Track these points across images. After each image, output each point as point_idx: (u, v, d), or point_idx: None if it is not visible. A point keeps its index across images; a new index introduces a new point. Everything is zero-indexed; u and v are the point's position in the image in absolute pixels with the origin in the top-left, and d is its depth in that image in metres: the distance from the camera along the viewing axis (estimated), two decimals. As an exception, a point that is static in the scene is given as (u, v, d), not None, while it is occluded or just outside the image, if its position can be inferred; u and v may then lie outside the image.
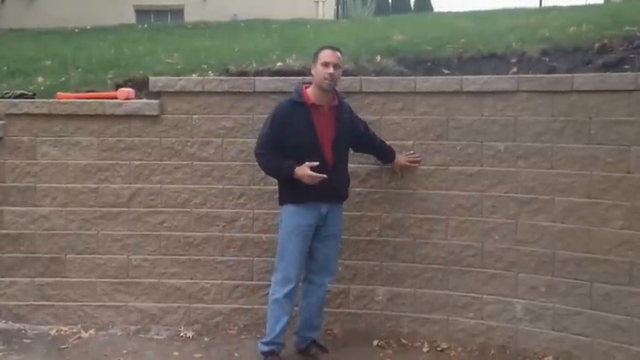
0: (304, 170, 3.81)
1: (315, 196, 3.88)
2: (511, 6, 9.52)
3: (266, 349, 4.01)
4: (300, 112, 3.88)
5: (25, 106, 4.64)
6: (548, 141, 4.14)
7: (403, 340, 4.39)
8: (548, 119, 4.14)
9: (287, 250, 3.95)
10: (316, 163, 3.79)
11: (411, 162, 4.35)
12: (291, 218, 3.95)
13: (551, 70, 4.53)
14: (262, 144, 3.95)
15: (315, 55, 3.95)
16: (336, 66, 3.88)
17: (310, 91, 3.95)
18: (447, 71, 4.79)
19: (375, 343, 4.37)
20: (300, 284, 4.10)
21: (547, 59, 4.69)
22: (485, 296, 4.31)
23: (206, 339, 4.46)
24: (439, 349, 4.30)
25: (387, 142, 4.36)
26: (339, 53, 3.95)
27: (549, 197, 4.14)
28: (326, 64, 3.85)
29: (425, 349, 4.30)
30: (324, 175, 3.80)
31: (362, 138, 4.17)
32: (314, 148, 3.86)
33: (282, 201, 4.03)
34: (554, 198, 4.13)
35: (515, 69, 4.64)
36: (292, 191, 3.93)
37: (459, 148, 4.35)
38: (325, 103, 3.93)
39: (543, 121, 4.15)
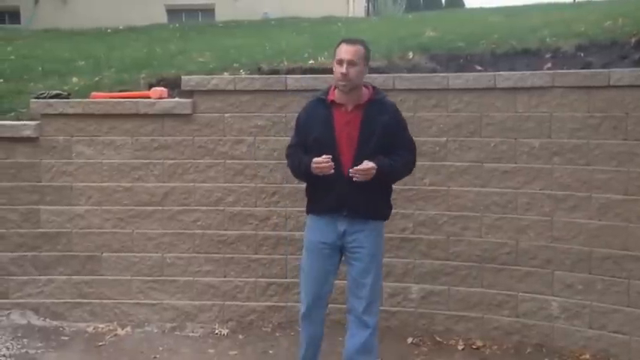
0: (316, 160, 3.32)
1: (327, 208, 3.44)
2: (544, 1, 9.35)
3: None
4: (322, 111, 3.45)
5: (60, 106, 4.72)
6: (584, 137, 4.08)
7: (437, 338, 4.37)
8: (584, 115, 4.08)
9: (302, 268, 3.59)
10: (329, 157, 3.31)
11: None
12: (308, 232, 3.59)
13: (587, 66, 4.46)
14: (289, 146, 3.66)
15: (334, 50, 3.44)
16: (351, 63, 3.31)
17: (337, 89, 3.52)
18: (479, 68, 4.76)
19: (410, 340, 4.35)
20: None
21: (582, 54, 4.63)
22: (520, 294, 4.27)
23: (241, 336, 4.49)
24: (474, 347, 4.27)
25: (421, 139, 4.33)
26: (359, 46, 3.37)
27: (586, 194, 4.08)
28: (340, 62, 3.34)
29: (460, 347, 4.27)
30: (329, 157, 3.28)
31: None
32: (329, 150, 3.35)
33: (306, 211, 3.68)
34: (590, 195, 4.07)
35: (549, 64, 4.58)
36: (309, 201, 3.58)
37: (492, 144, 4.31)
38: (348, 101, 3.40)
39: (579, 117, 4.09)
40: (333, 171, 3.31)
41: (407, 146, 3.51)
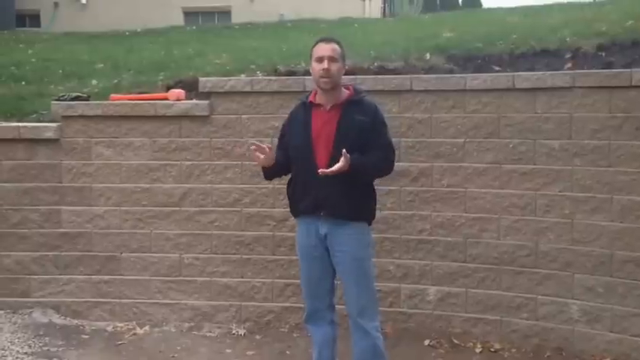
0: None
1: (305, 209, 3.41)
2: (564, 0, 9.24)
3: None
4: (302, 113, 3.45)
5: (80, 108, 4.77)
6: (606, 138, 4.03)
7: (455, 340, 4.34)
8: (605, 116, 4.03)
9: (300, 273, 3.59)
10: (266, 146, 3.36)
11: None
12: (297, 236, 3.55)
13: (608, 65, 4.42)
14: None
15: (310, 52, 3.42)
16: (332, 59, 3.30)
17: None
18: (498, 68, 4.72)
19: (427, 342, 4.33)
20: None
21: (603, 54, 4.58)
22: (539, 297, 4.23)
23: (258, 337, 4.50)
24: (492, 349, 4.24)
25: (439, 140, 4.31)
26: (335, 45, 3.38)
27: (607, 196, 4.03)
28: (319, 59, 3.31)
29: (477, 350, 4.24)
30: (258, 146, 3.32)
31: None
32: (305, 151, 3.35)
33: (291, 214, 3.64)
34: (612, 197, 4.02)
35: (569, 65, 4.54)
36: (289, 203, 3.54)
37: (511, 146, 4.27)
38: (326, 102, 3.37)
39: (600, 117, 4.05)
40: (262, 157, 3.34)
41: (383, 146, 3.39)
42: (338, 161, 3.20)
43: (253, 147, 3.37)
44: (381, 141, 3.39)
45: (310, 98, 3.45)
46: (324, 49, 3.35)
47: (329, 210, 3.34)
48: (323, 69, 3.29)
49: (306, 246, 3.45)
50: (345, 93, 3.43)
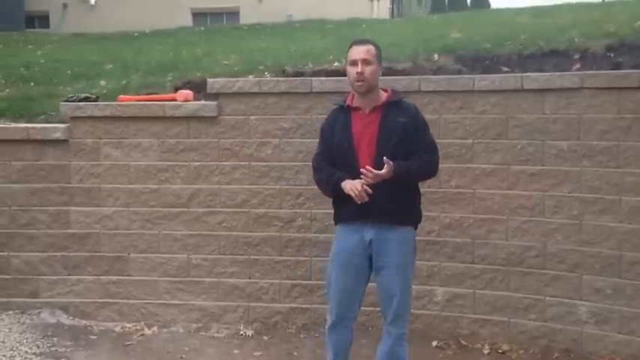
0: (348, 181, 3.22)
1: (351, 214, 3.31)
2: (572, 1, 9.19)
3: None
4: (341, 117, 3.37)
5: (89, 109, 4.80)
6: (615, 139, 4.02)
7: (463, 342, 4.33)
8: (614, 117, 4.02)
9: (329, 280, 3.46)
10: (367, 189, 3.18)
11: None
12: (334, 243, 3.47)
13: (617, 66, 4.40)
14: (315, 156, 3.53)
15: (346, 54, 3.37)
16: (365, 62, 3.23)
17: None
18: (506, 69, 4.71)
19: (434, 343, 4.33)
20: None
21: (612, 55, 4.56)
22: (547, 298, 4.21)
23: (265, 337, 4.50)
24: (500, 351, 4.23)
25: (447, 141, 4.31)
26: (369, 46, 3.30)
27: (616, 197, 4.02)
28: (353, 63, 3.26)
29: (485, 351, 4.24)
30: (366, 187, 3.15)
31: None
32: (348, 156, 3.28)
33: (334, 221, 3.52)
34: (620, 198, 4.01)
35: (578, 65, 4.53)
36: (335, 210, 3.46)
37: (519, 147, 4.26)
38: (365, 105, 3.32)
39: (609, 118, 4.04)
40: (367, 199, 3.18)
41: (427, 148, 3.35)
42: (381, 164, 3.13)
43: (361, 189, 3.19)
44: (424, 142, 3.35)
45: (348, 102, 3.38)
46: (357, 51, 3.28)
47: (377, 215, 3.26)
48: (357, 73, 3.24)
49: (346, 253, 3.35)
50: (384, 95, 3.36)
